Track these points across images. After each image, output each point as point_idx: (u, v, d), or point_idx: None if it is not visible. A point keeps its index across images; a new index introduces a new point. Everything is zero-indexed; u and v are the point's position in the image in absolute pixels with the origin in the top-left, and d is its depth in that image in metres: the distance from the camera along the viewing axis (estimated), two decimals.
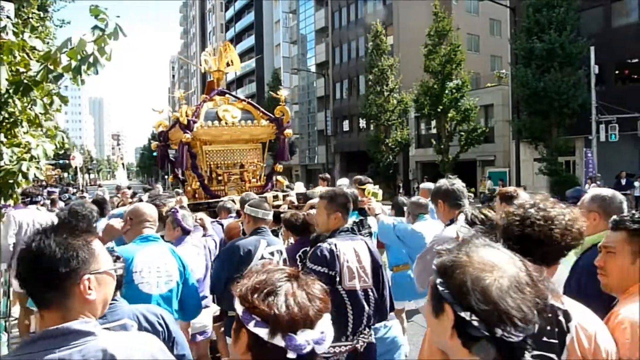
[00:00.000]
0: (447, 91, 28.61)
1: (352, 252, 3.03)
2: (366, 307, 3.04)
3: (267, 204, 3.74)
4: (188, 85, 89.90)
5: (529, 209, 1.77)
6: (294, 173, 51.59)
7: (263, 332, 1.21)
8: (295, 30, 55.29)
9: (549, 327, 1.54)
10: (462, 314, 1.11)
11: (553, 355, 1.54)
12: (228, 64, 6.69)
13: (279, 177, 7.25)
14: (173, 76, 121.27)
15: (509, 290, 1.10)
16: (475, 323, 1.09)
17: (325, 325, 1.27)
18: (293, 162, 51.02)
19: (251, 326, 1.22)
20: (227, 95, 6.64)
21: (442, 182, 3.49)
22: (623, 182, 22.13)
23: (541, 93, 23.80)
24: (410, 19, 38.01)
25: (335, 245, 3.01)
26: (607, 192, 3.11)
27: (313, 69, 49.76)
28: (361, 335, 3.07)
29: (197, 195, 6.04)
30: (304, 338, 1.21)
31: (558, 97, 23.47)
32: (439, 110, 28.78)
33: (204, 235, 4.22)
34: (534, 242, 1.70)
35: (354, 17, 45.00)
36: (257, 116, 6.39)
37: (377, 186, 5.53)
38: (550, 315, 1.48)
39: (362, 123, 40.51)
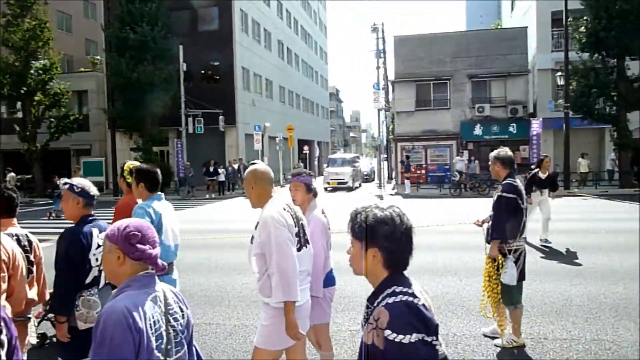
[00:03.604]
0: (32, 71, 25.41)
1: None
2: None
3: None
4: None
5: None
6: None
7: None
8: None
9: None
10: None
11: None
12: None
13: None
14: None
15: None
16: None
17: None
18: None
19: None
20: None
21: None
22: (211, 169, 25.05)
23: (135, 83, 24.16)
24: None
25: None
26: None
27: None
28: None
29: None
30: None
31: (151, 88, 24.35)
32: (22, 92, 25.27)
33: None
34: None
35: None
36: None
37: None
38: None
39: None
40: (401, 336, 1.50)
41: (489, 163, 5.01)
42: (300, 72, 46.24)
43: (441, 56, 28.22)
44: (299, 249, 3.06)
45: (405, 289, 1.61)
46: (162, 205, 3.79)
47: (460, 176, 22.85)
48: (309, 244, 3.24)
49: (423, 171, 28.36)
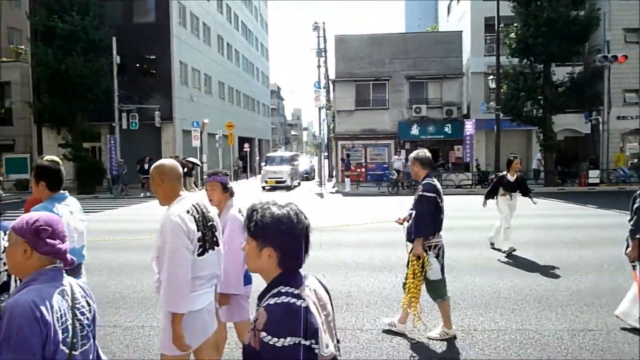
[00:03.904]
0: None
1: None
2: None
3: None
4: None
5: None
6: None
7: None
8: None
9: None
10: None
11: None
12: None
13: None
14: None
15: None
16: None
17: None
18: None
19: None
20: None
21: None
22: (146, 166, 24.10)
23: (64, 75, 22.88)
24: None
25: None
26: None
27: None
28: None
29: None
30: None
31: (81, 81, 23.16)
32: None
33: None
34: None
35: None
36: None
37: None
38: None
39: None
40: (275, 339, 1.47)
41: (409, 163, 5.11)
42: (241, 68, 45.63)
43: (381, 57, 28.75)
44: (202, 253, 2.96)
45: (291, 290, 1.57)
46: (65, 205, 3.53)
47: (397, 175, 23.39)
48: (217, 246, 3.13)
49: (363, 169, 28.81)
